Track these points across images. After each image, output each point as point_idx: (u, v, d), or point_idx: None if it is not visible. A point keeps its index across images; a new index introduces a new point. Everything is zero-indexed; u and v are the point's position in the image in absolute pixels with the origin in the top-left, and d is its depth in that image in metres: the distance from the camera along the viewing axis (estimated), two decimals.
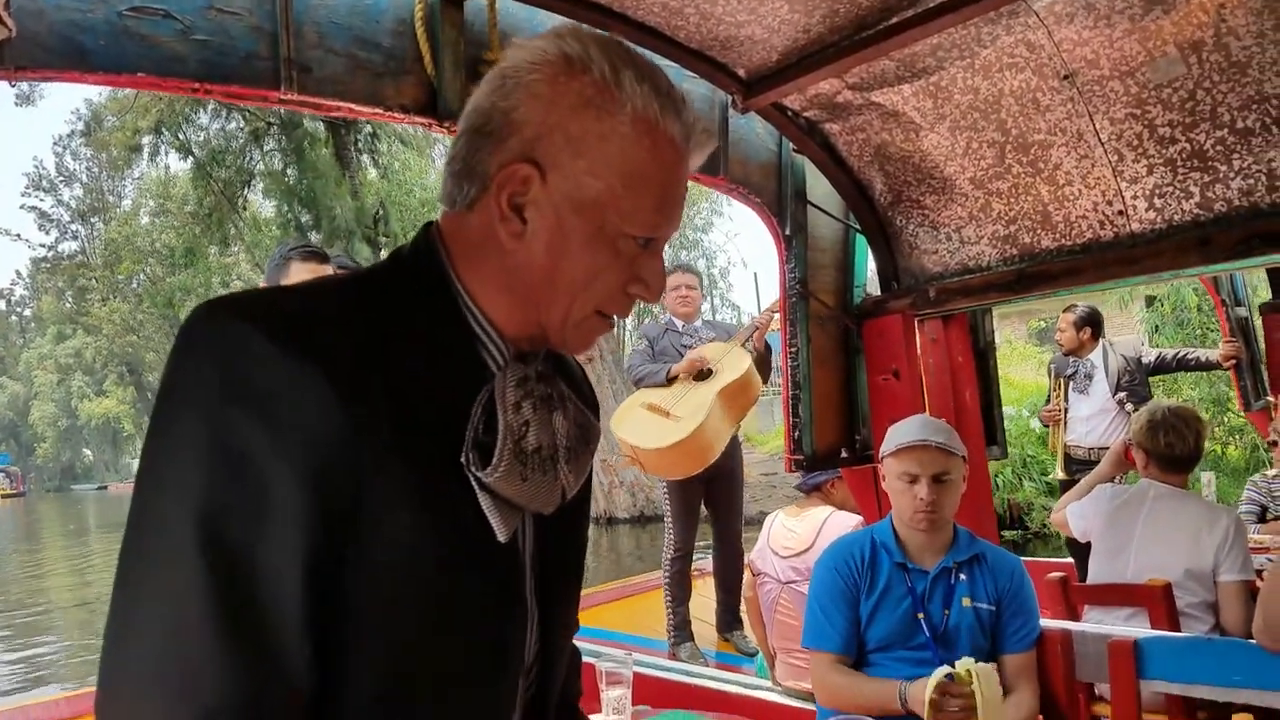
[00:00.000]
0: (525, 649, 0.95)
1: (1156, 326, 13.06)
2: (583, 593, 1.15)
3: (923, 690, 2.06)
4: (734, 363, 4.31)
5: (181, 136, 25.33)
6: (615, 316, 0.94)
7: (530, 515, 0.94)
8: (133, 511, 0.77)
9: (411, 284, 0.91)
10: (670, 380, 4.47)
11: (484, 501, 0.86)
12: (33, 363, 64.16)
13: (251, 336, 0.77)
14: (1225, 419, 11.15)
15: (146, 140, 26.55)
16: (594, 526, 14.31)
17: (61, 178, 49.50)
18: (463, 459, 0.85)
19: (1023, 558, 2.56)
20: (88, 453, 75.79)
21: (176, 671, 0.73)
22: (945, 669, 2.05)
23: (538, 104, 0.87)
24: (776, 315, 4.78)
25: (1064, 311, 5.94)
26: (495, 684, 0.91)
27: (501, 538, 0.87)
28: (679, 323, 5.02)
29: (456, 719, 0.87)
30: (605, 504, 14.84)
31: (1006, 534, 11.24)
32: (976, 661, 2.06)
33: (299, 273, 2.73)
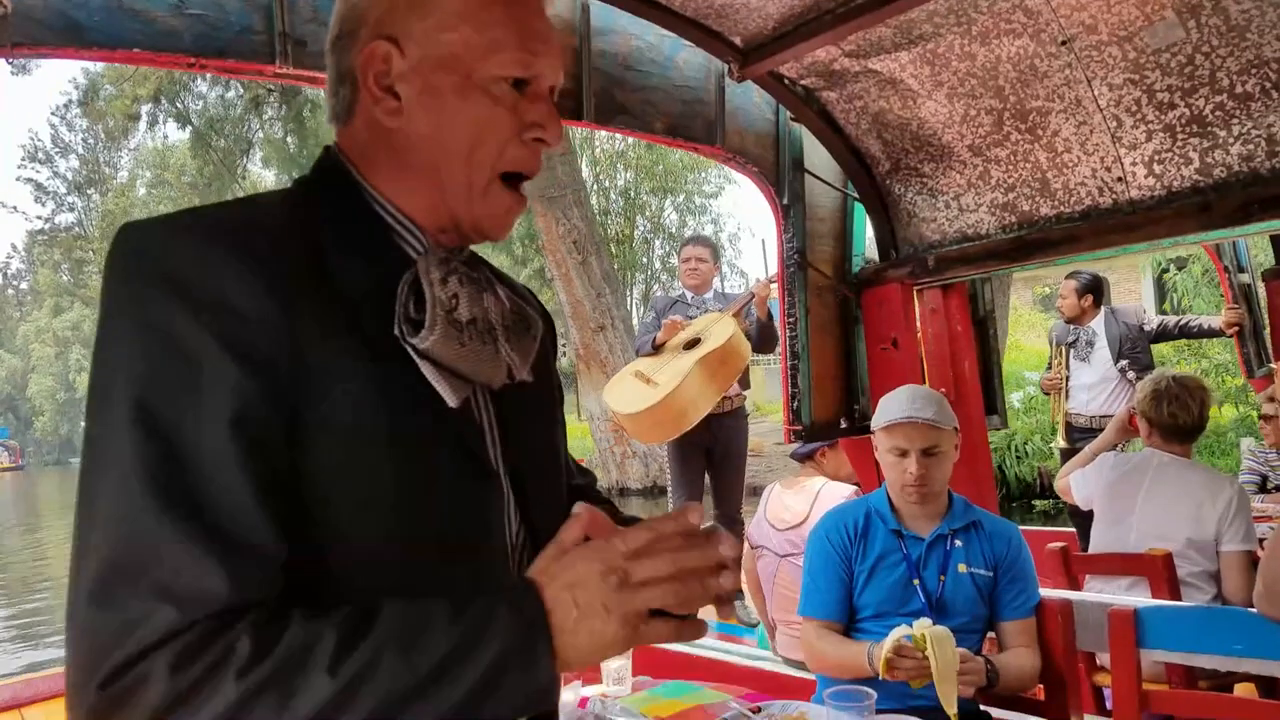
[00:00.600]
0: (506, 520, 0.95)
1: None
2: None
3: (881, 650, 2.09)
4: (720, 332, 4.33)
5: (180, 105, 25.16)
6: (525, 182, 0.96)
7: (484, 392, 0.96)
8: (86, 416, 0.80)
9: (321, 194, 0.94)
10: (658, 349, 4.52)
11: (426, 370, 0.88)
12: (30, 336, 63.54)
13: (170, 238, 0.81)
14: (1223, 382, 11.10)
15: (145, 109, 26.38)
16: (636, 497, 14.32)
17: (57, 149, 49.13)
18: (396, 332, 0.87)
19: (1027, 527, 2.56)
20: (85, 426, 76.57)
21: (128, 549, 0.73)
22: (903, 629, 2.08)
23: None
24: (774, 285, 4.80)
25: (1066, 278, 5.92)
26: (477, 552, 0.92)
27: (452, 403, 0.89)
28: (689, 295, 5.03)
29: (443, 585, 0.85)
30: (617, 474, 14.75)
31: (1039, 504, 11.11)
32: (935, 625, 2.09)
33: None
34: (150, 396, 0.76)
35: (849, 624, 2.35)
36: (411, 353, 0.87)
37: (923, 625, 2.08)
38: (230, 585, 0.74)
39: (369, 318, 0.87)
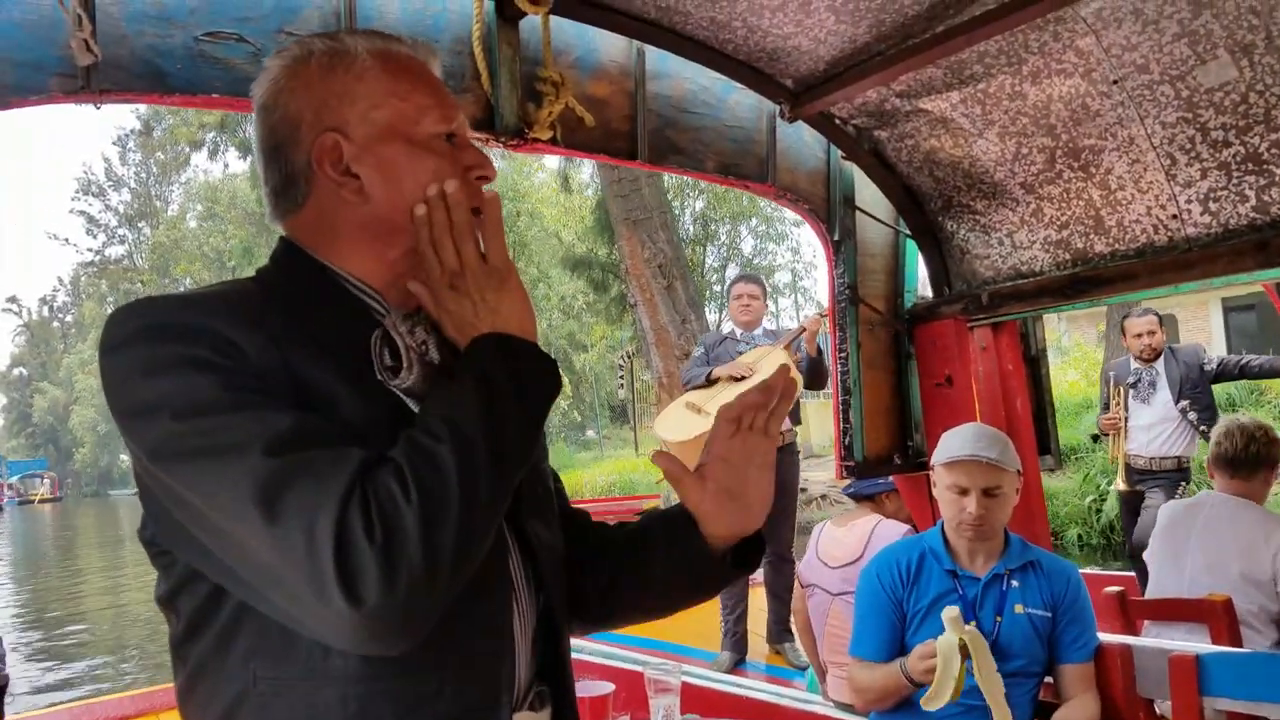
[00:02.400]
0: (503, 536, 1.01)
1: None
2: None
3: (918, 660, 2.10)
4: (770, 363, 4.37)
5: (242, 133, 25.82)
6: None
7: None
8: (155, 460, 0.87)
9: (287, 272, 1.04)
10: (711, 382, 4.57)
11: (413, 405, 0.97)
12: (74, 368, 64.44)
13: (166, 309, 0.90)
14: None
15: (209, 137, 27.05)
16: None
17: (110, 182, 50.18)
18: (379, 377, 0.97)
19: (1083, 571, 2.53)
20: (124, 458, 76.48)
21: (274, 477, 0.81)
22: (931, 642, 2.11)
23: (296, 96, 1.03)
24: (825, 318, 4.82)
25: (1142, 315, 5.75)
26: (480, 578, 0.96)
27: None
28: (738, 331, 5.07)
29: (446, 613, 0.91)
30: None
31: None
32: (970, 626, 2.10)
33: None
34: (194, 413, 0.84)
35: None
36: (398, 393, 0.97)
37: (949, 614, 2.09)
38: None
39: (350, 366, 0.95)
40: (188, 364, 0.86)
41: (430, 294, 1.01)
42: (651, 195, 12.60)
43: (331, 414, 0.90)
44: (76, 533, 31.59)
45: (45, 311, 74.87)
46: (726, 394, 4.40)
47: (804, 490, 13.20)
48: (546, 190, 30.71)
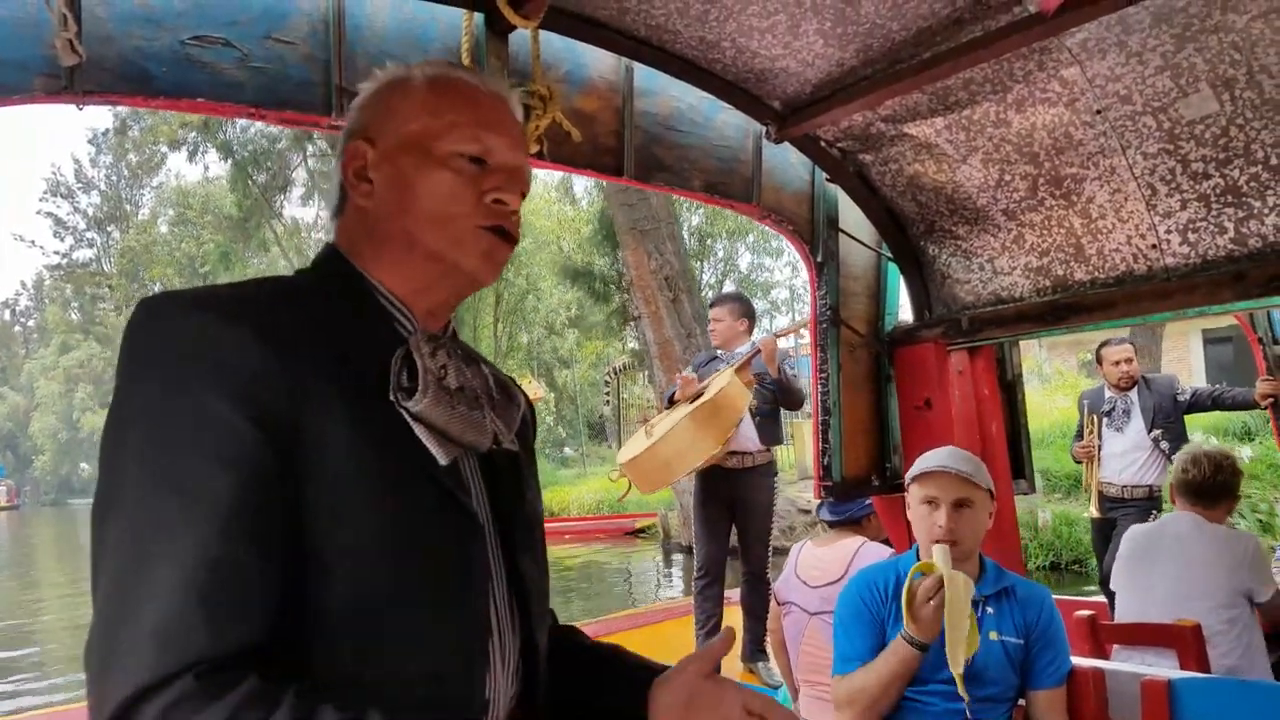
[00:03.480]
0: (491, 567, 1.01)
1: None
2: (609, 617, 1.21)
3: (923, 599, 2.13)
4: (716, 384, 4.42)
5: (223, 134, 25.54)
6: (507, 230, 1.05)
7: (472, 456, 1.04)
8: (100, 465, 0.87)
9: (323, 278, 1.05)
10: (673, 403, 4.62)
11: (419, 431, 0.96)
12: (35, 373, 62.68)
13: (182, 312, 0.90)
14: None
15: (190, 136, 26.68)
16: (683, 555, 13.92)
17: (80, 184, 49.14)
18: (391, 398, 0.96)
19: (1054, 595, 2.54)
20: (85, 466, 73.55)
21: (126, 597, 0.80)
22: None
23: (363, 111, 1.09)
24: (780, 339, 4.86)
25: (1118, 344, 5.82)
26: (461, 604, 0.97)
27: (442, 461, 0.96)
28: (721, 352, 5.08)
29: (425, 637, 0.92)
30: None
31: None
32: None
33: None
34: (160, 452, 0.84)
35: None
36: (406, 416, 0.96)
37: (940, 551, 2.10)
38: (212, 638, 0.80)
39: (367, 385, 0.95)
40: (179, 409, 0.85)
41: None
42: (659, 205, 12.17)
43: (323, 456, 0.89)
44: (33, 543, 30.54)
45: (7, 315, 73.06)
46: (675, 414, 4.50)
47: (806, 512, 13.07)
48: (540, 200, 30.58)
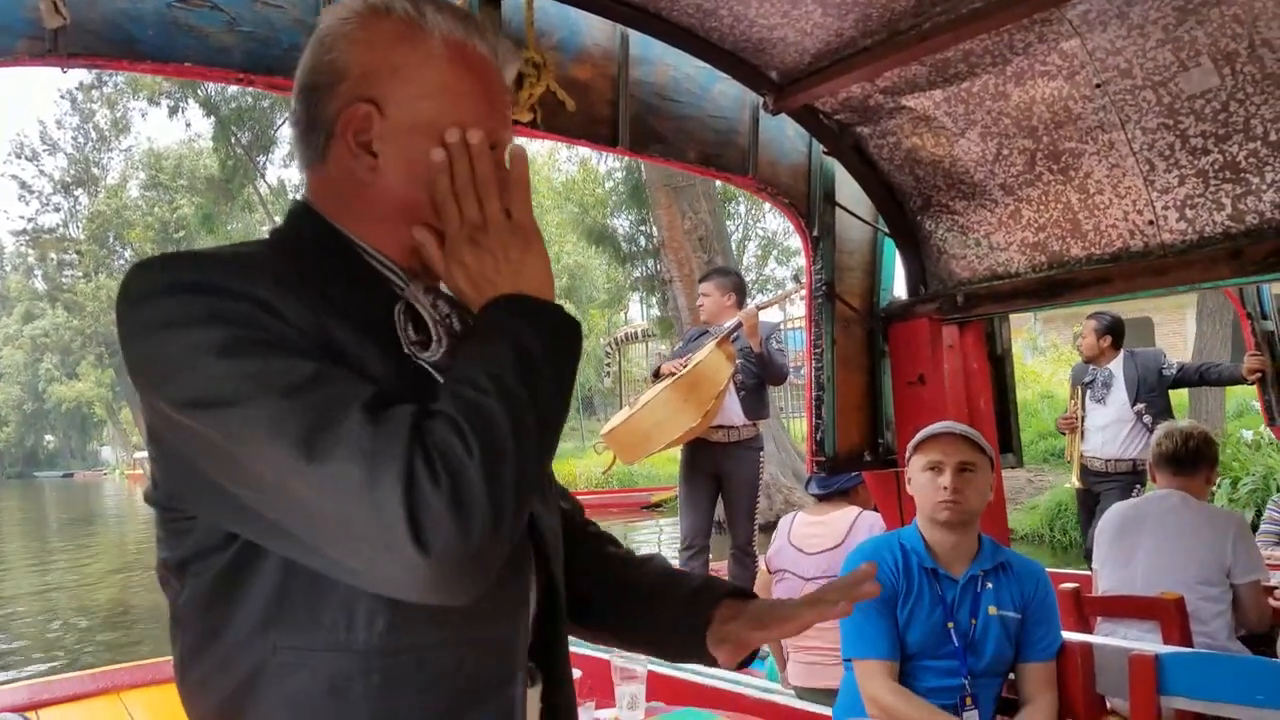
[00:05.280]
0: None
1: None
2: None
3: None
4: (695, 358, 4.45)
5: (204, 92, 24.67)
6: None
7: None
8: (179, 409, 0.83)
9: (305, 240, 1.00)
10: (658, 377, 4.65)
11: (440, 379, 0.94)
12: None
13: (202, 268, 0.87)
14: None
15: (173, 88, 25.82)
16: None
17: (46, 147, 47.45)
18: (407, 352, 0.95)
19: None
20: (50, 438, 73.26)
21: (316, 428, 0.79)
22: None
23: (357, 48, 0.97)
24: (761, 311, 4.88)
25: (1088, 318, 5.92)
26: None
27: None
28: (712, 327, 5.08)
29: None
30: None
31: None
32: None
33: None
34: (239, 357, 0.81)
35: None
36: (426, 366, 0.95)
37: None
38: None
39: (379, 338, 0.93)
40: (229, 317, 0.83)
41: (442, 245, 0.97)
42: None
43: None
44: None
45: None
46: (656, 387, 4.56)
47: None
48: (550, 154, 29.56)
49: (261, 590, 0.88)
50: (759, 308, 4.93)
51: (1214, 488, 3.48)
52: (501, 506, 0.79)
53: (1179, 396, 11.63)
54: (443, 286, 1.02)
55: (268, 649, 0.88)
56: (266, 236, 1.03)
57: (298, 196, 1.05)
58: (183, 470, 0.88)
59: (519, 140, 1.06)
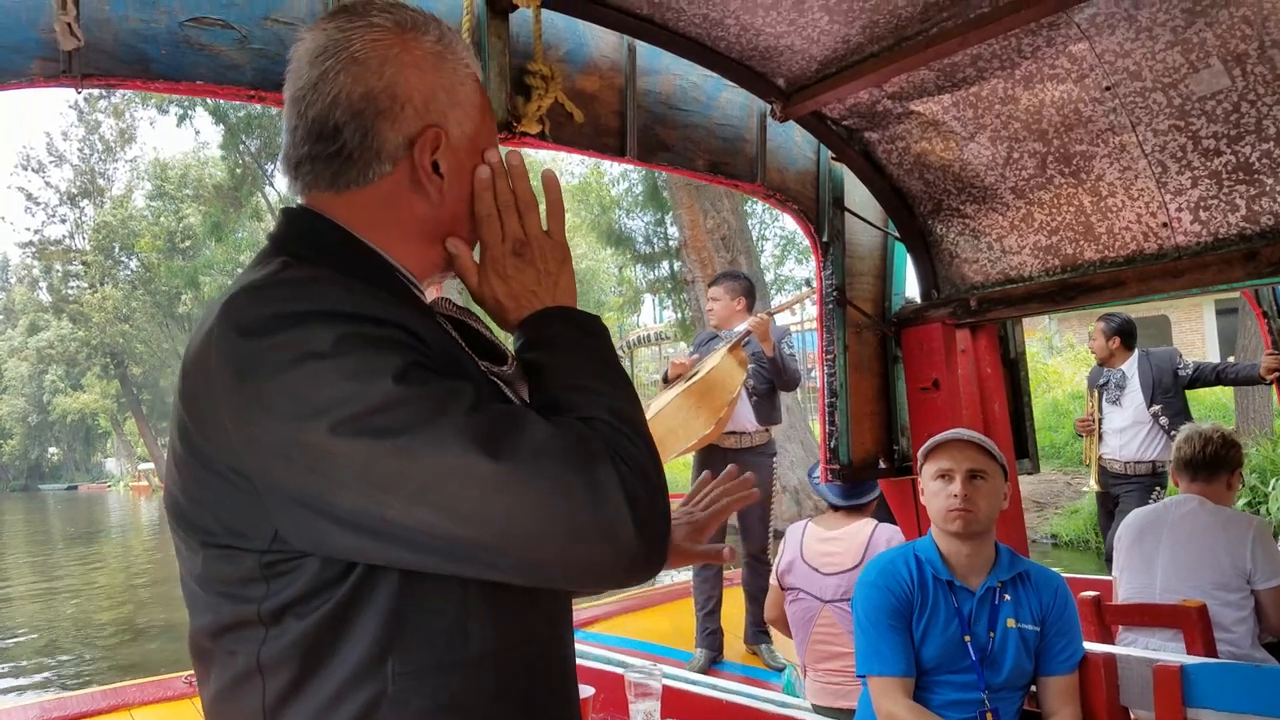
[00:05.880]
0: None
1: None
2: (607, 600, 1.28)
3: None
4: (707, 364, 4.39)
5: (211, 100, 24.60)
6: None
7: None
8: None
9: (354, 261, 0.97)
10: (668, 382, 4.60)
11: (511, 394, 1.01)
12: (3, 354, 59.39)
13: (327, 298, 0.87)
14: None
15: (182, 97, 25.73)
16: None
17: (52, 158, 47.38)
18: (483, 368, 0.98)
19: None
20: (54, 451, 72.30)
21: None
22: None
23: (408, 71, 0.98)
24: (774, 317, 4.84)
25: (1098, 320, 5.88)
26: None
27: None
28: (722, 330, 5.06)
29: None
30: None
31: None
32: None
33: None
34: (412, 386, 0.83)
35: None
36: (498, 382, 1.00)
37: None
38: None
39: (453, 348, 0.96)
40: (387, 344, 0.85)
41: (479, 258, 1.03)
42: None
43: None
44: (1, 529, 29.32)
45: None
46: (668, 393, 4.49)
47: None
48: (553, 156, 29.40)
49: (376, 619, 0.86)
50: (770, 313, 4.90)
51: (1239, 489, 3.42)
52: (665, 491, 0.89)
53: (1228, 395, 11.51)
54: (443, 306, 1.07)
55: (385, 678, 0.87)
56: (284, 256, 0.96)
57: (306, 209, 1.01)
58: (296, 507, 0.84)
59: (533, 153, 1.09)
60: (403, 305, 0.91)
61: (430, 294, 1.08)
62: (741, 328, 4.79)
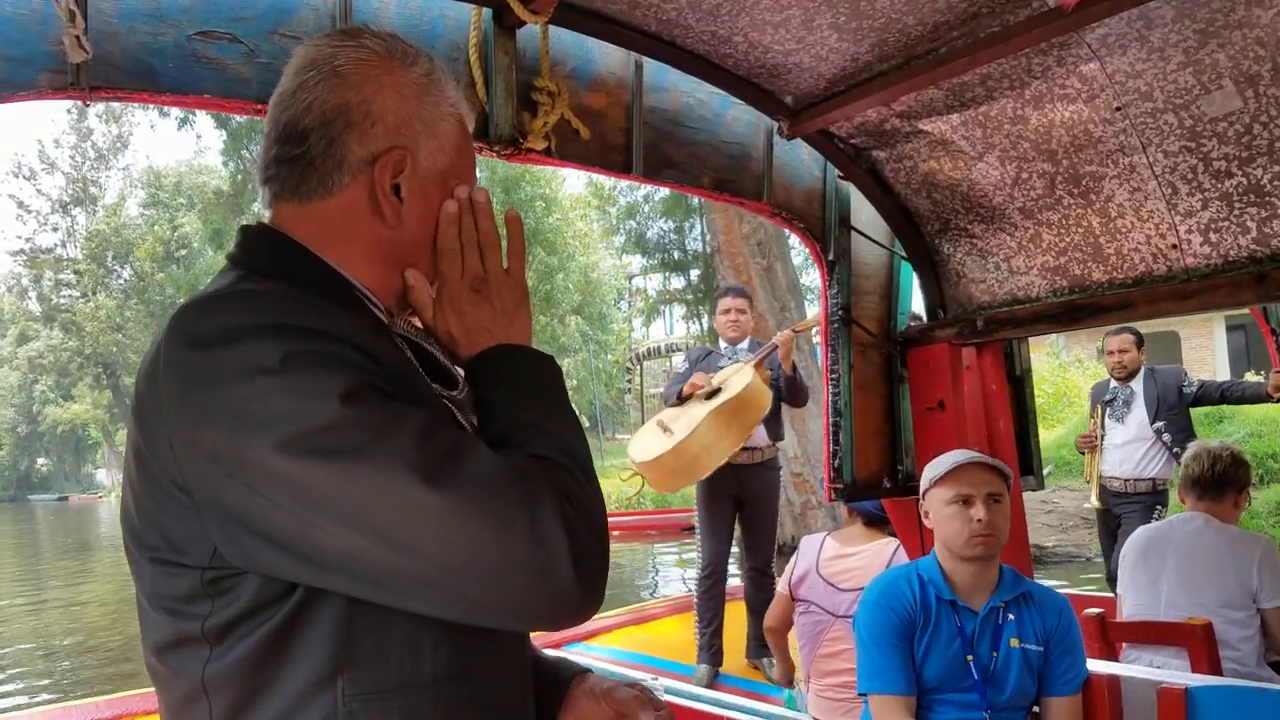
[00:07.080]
0: None
1: None
2: (608, 615, 1.29)
3: None
4: (737, 382, 4.33)
5: None
6: None
7: None
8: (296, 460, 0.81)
9: (310, 277, 0.96)
10: (682, 400, 4.53)
11: (459, 417, 1.01)
12: None
13: (279, 311, 0.87)
14: None
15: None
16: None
17: (44, 166, 47.07)
18: (433, 385, 0.99)
19: (1065, 591, 2.50)
20: (44, 461, 71.79)
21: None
22: None
23: (386, 93, 0.99)
24: (798, 334, 4.81)
25: (1118, 334, 5.73)
26: None
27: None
28: (723, 345, 5.04)
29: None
30: (792, 528, 11.11)
31: None
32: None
33: None
34: (356, 400, 0.83)
35: None
36: (451, 406, 1.00)
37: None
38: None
39: (418, 376, 0.98)
40: (336, 362, 0.84)
41: (435, 291, 1.03)
42: None
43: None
44: None
45: None
46: (695, 411, 4.37)
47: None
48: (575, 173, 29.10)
49: (323, 638, 0.86)
50: (795, 331, 4.86)
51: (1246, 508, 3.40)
52: (606, 534, 0.89)
53: (1266, 409, 11.36)
54: (403, 327, 1.06)
55: (335, 700, 0.86)
56: (240, 271, 0.96)
57: (265, 226, 1.01)
58: (230, 523, 0.83)
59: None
60: (358, 323, 0.91)
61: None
62: (767, 345, 4.75)
